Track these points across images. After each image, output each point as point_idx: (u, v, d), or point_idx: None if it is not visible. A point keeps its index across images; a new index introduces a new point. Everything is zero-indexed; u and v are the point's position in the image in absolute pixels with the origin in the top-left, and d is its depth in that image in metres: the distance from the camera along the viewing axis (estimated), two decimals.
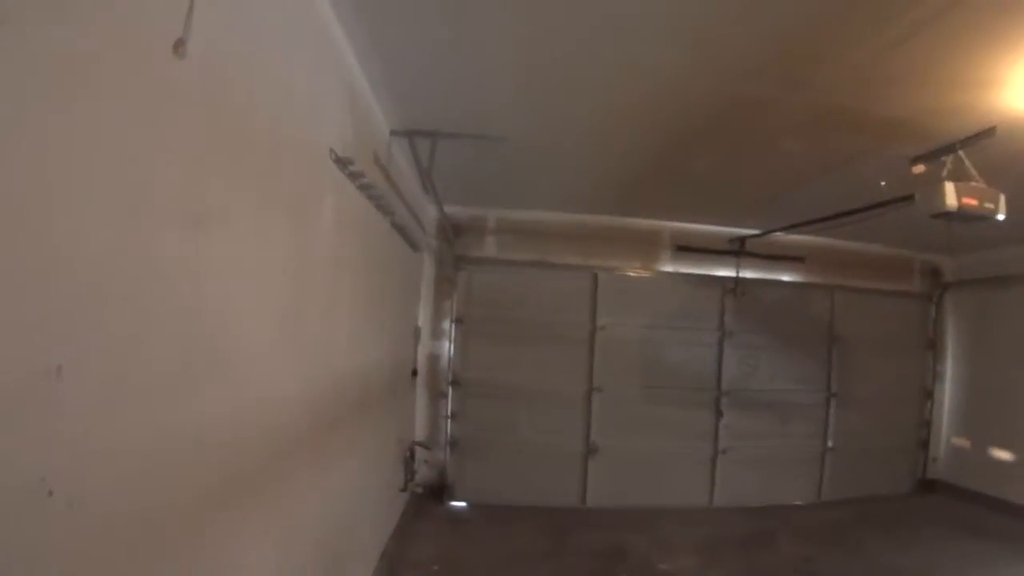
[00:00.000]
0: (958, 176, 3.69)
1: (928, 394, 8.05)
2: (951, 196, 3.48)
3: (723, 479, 7.14)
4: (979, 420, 7.63)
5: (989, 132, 3.59)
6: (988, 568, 5.45)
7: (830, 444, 7.48)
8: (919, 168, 4.02)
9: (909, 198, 4.15)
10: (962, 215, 3.57)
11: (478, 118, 4.16)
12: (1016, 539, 6.10)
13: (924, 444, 8.02)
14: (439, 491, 6.73)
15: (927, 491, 7.85)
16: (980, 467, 7.43)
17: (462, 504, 6.66)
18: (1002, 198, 3.60)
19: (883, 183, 4.48)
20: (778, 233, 6.84)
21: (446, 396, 6.83)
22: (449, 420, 6.82)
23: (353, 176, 3.30)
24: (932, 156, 3.95)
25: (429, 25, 2.98)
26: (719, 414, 7.12)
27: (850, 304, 7.68)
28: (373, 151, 3.94)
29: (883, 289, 7.83)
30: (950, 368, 8.06)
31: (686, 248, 7.12)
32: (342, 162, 3.10)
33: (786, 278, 7.47)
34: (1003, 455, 7.12)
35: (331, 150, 2.99)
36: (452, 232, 6.73)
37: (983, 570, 5.41)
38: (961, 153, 3.77)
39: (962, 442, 7.75)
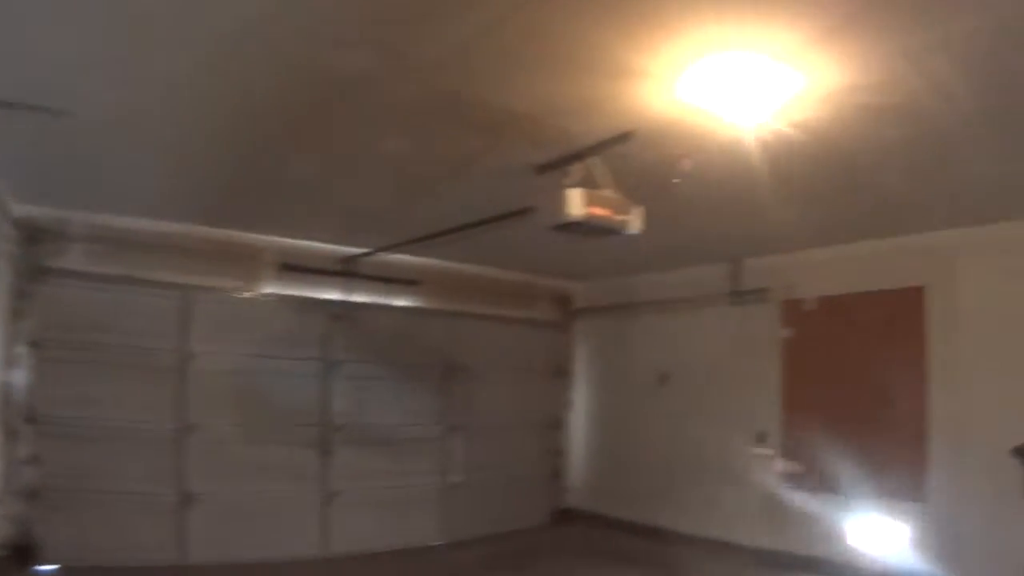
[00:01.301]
0: (588, 185, 3.19)
1: (559, 423, 8.00)
2: (576, 205, 3.01)
3: (340, 524, 6.33)
4: (612, 446, 7.73)
5: (625, 137, 3.16)
6: None
7: (457, 479, 7.02)
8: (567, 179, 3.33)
9: (529, 211, 3.59)
10: (590, 227, 3.13)
11: (34, 84, 3.03)
12: (656, 562, 6.11)
13: (558, 474, 7.95)
14: (24, 552, 5.10)
15: (564, 521, 7.74)
16: (614, 493, 7.53)
17: (51, 568, 5.13)
18: (637, 210, 3.23)
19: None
20: (392, 254, 6.26)
21: (20, 436, 5.19)
22: (27, 465, 5.21)
23: None
24: (560, 163, 3.40)
25: None
26: (330, 453, 6.36)
27: (474, 332, 7.30)
28: None
29: (510, 316, 7.57)
30: (582, 396, 8.12)
31: (292, 267, 6.22)
32: None
33: (401, 303, 6.89)
34: (635, 479, 7.27)
35: None
36: (28, 237, 5.16)
37: None
38: (593, 160, 3.29)
39: (596, 469, 7.85)
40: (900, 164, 3.88)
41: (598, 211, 3.14)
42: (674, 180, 3.73)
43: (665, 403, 7.02)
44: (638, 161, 3.46)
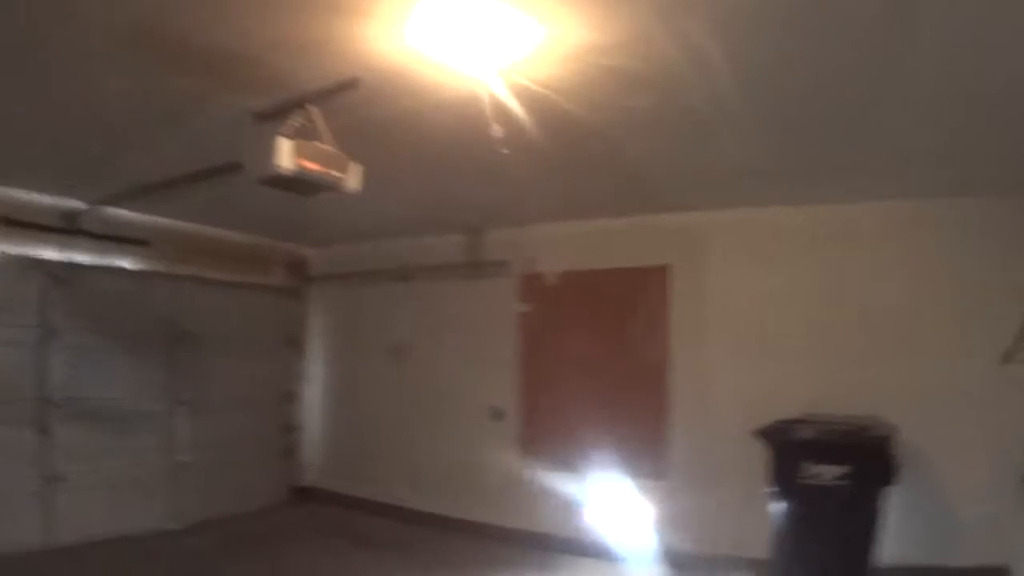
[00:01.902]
0: (308, 137, 2.95)
1: (293, 397, 7.53)
2: (286, 156, 2.74)
3: (65, 510, 5.46)
4: (349, 421, 7.39)
5: (349, 84, 2.90)
6: None
7: (185, 459, 6.33)
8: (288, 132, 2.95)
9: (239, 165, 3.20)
10: (301, 182, 2.88)
11: None
12: (392, 542, 5.92)
13: (293, 451, 7.49)
14: None
15: (302, 500, 7.30)
16: (352, 470, 7.23)
17: None
18: (355, 167, 3.00)
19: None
20: (118, 209, 5.54)
21: None
22: None
23: None
24: (280, 111, 3.06)
25: None
26: (49, 432, 5.44)
27: (204, 298, 6.57)
28: None
29: (242, 281, 6.91)
30: (318, 368, 7.66)
31: (3, 220, 5.13)
32: None
33: (129, 265, 6.01)
34: (373, 456, 7.04)
35: None
36: None
37: None
38: (313, 109, 3.00)
39: (333, 445, 7.46)
40: (648, 138, 3.77)
41: (309, 165, 2.86)
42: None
43: (403, 377, 6.82)
44: (365, 115, 3.21)
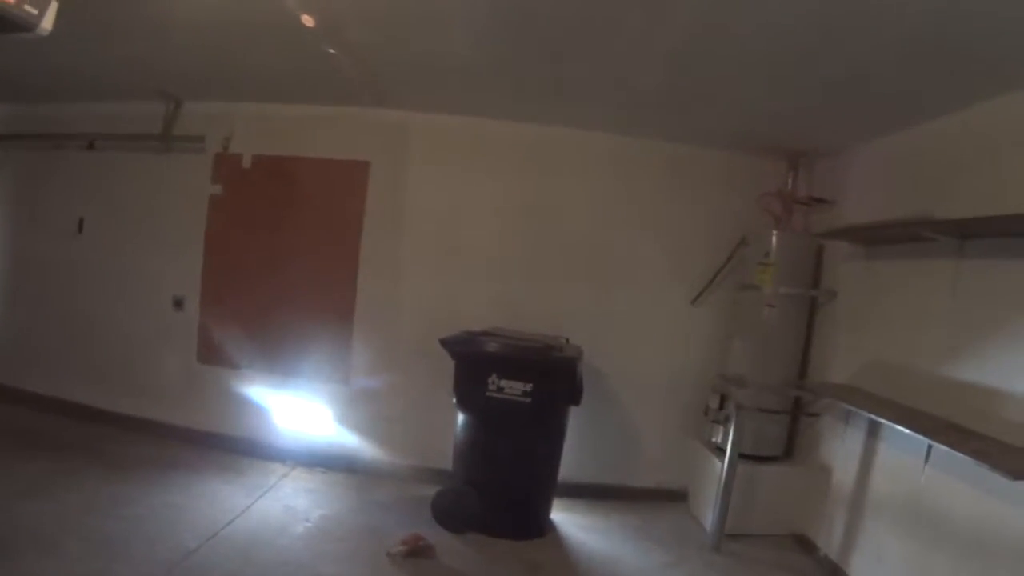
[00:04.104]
0: None
1: None
2: None
3: None
4: (20, 304, 6.21)
5: None
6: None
7: None
8: None
9: None
10: None
11: None
12: (71, 443, 5.21)
13: None
14: None
15: None
16: (23, 360, 6.11)
17: None
18: (53, 4, 2.41)
19: None
20: None
21: None
22: None
23: None
24: None
25: None
26: None
27: None
28: None
29: None
30: None
31: None
32: None
33: None
34: (47, 345, 6.06)
35: None
36: None
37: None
38: None
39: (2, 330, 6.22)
40: (373, 18, 3.50)
41: None
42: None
43: (81, 257, 6.01)
44: None
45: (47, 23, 2.48)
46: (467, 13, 3.30)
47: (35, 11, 2.39)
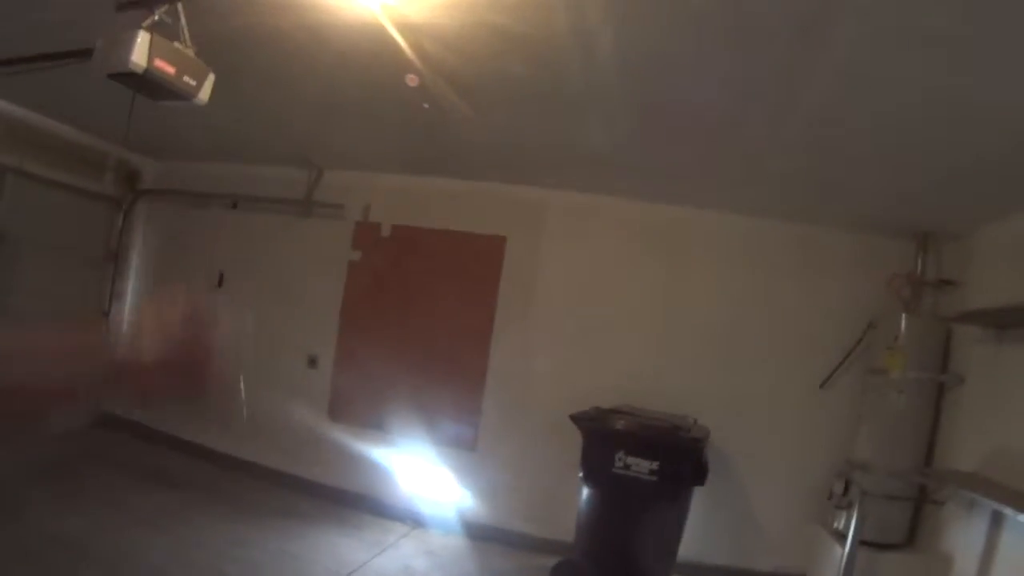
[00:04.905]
0: (167, 35, 2.63)
1: (105, 314, 6.84)
2: (141, 52, 2.44)
3: None
4: (164, 348, 6.59)
5: None
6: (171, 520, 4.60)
7: None
8: None
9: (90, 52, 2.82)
10: (152, 83, 2.58)
11: None
12: (198, 483, 5.54)
13: (99, 373, 6.62)
14: None
15: (107, 426, 6.64)
16: (160, 403, 6.51)
17: None
18: (208, 77, 2.76)
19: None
20: None
21: None
22: None
23: None
24: (145, 1, 2.73)
25: None
26: None
27: (27, 195, 5.76)
28: None
29: (66, 183, 6.10)
30: (136, 287, 7.01)
31: None
32: None
33: None
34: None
35: None
36: None
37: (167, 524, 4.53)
38: (180, 7, 2.70)
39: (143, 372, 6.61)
40: (514, 107, 3.72)
41: (164, 66, 2.56)
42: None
43: (222, 307, 6.42)
44: (229, 21, 3.00)
45: (204, 95, 2.78)
46: (600, 107, 3.49)
47: (194, 82, 2.70)
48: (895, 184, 4.04)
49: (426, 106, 3.73)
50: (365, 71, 3.42)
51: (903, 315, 4.74)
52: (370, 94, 3.80)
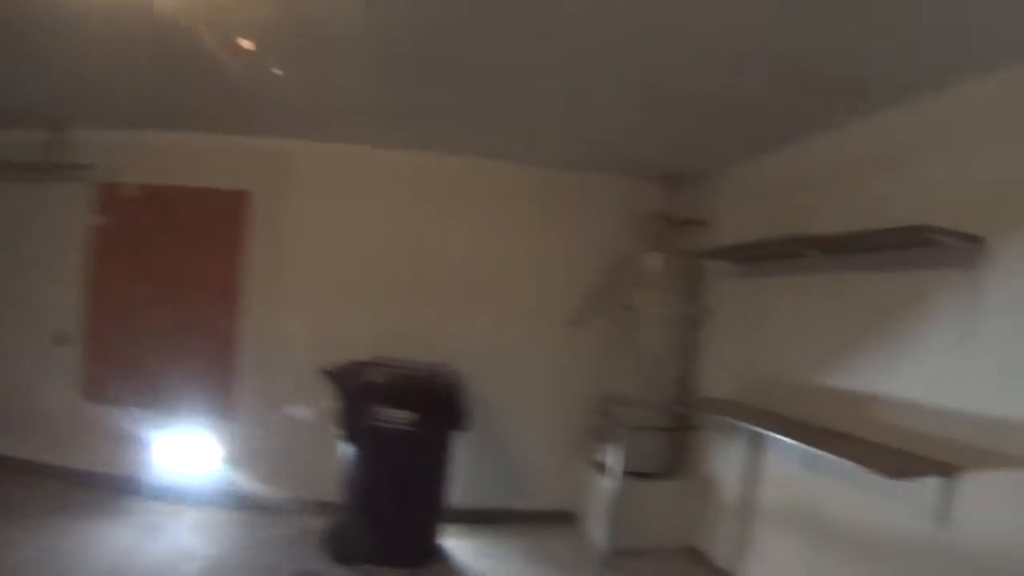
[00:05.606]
0: None
1: None
2: None
3: None
4: None
5: None
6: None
7: None
8: None
9: None
10: None
11: None
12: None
13: None
14: None
15: None
16: None
17: None
18: None
19: None
20: None
21: None
22: None
23: None
24: None
25: None
26: None
27: None
28: None
29: None
30: None
31: None
32: None
33: None
34: None
35: None
36: None
37: None
38: None
39: None
40: (259, 52, 3.39)
41: None
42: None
43: None
44: None
45: None
46: (351, 49, 3.30)
47: None
48: (643, 128, 4.18)
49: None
50: (108, 21, 3.01)
51: (655, 253, 4.91)
52: (117, 46, 3.37)
